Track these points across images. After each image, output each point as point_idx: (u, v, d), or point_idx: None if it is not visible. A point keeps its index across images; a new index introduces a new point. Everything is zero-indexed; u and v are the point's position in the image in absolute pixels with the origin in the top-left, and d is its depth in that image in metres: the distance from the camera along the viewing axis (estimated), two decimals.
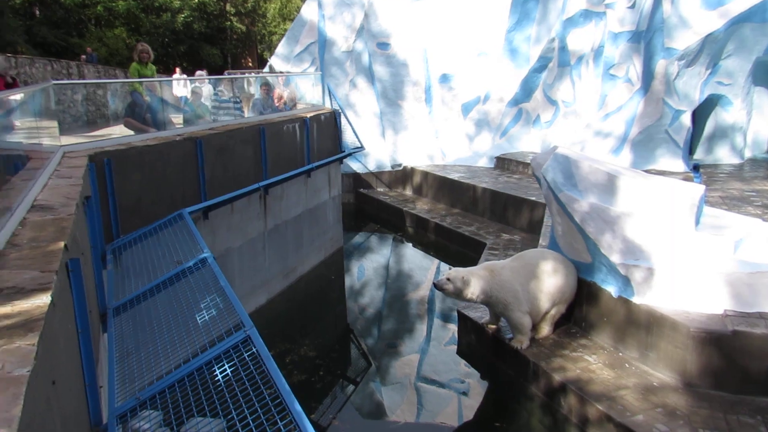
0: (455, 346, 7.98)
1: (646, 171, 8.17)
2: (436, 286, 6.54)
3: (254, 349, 3.69)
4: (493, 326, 7.17)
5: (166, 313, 4.50)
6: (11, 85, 8.75)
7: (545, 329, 6.97)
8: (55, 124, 5.77)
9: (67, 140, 6.12)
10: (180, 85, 11.39)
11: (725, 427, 5.37)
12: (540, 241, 8.90)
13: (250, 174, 8.91)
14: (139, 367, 3.97)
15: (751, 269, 6.17)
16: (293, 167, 10.07)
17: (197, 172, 7.69)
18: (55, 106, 6.28)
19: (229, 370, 3.64)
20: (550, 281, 6.91)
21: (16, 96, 4.36)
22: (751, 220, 7.22)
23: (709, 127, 13.64)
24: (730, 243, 6.29)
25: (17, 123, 4.41)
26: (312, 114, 11.41)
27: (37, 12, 28.45)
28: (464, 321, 8.01)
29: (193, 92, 10.27)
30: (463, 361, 7.62)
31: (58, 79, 14.87)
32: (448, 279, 6.50)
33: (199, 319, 4.35)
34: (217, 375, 3.66)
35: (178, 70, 19.66)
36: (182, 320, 4.37)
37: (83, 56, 23.93)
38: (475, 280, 6.53)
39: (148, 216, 6.46)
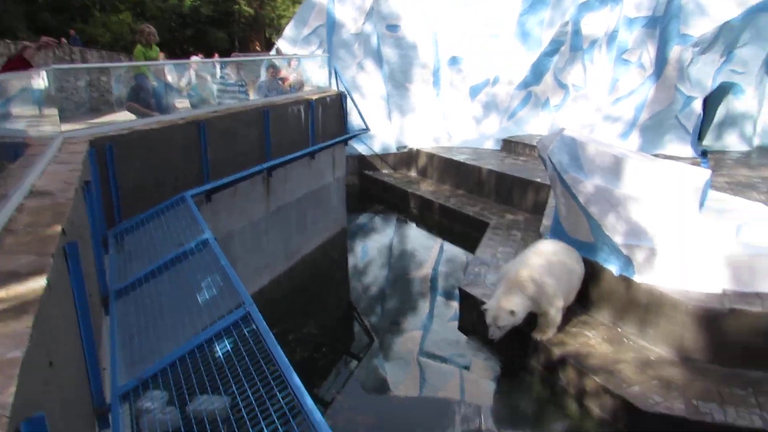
0: (457, 323, 8.09)
1: (654, 156, 8.15)
2: (493, 339, 6.41)
3: (254, 326, 3.76)
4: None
5: (168, 294, 4.60)
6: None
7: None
8: (55, 111, 5.84)
9: (68, 127, 6.19)
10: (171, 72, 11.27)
11: (718, 399, 5.45)
12: (543, 221, 8.95)
13: (253, 156, 8.97)
14: (141, 349, 4.06)
15: (752, 251, 6.20)
16: (297, 149, 10.12)
17: (200, 155, 7.77)
18: (58, 93, 6.34)
19: (229, 347, 3.72)
20: (576, 275, 6.89)
21: (14, 81, 4.42)
22: (754, 205, 7.22)
23: (719, 114, 13.61)
24: (733, 226, 6.30)
25: (16, 110, 4.48)
26: (317, 96, 11.42)
27: None
28: (466, 298, 8.10)
29: (198, 76, 10.29)
30: (465, 337, 7.72)
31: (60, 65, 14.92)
32: (498, 327, 6.29)
33: (200, 299, 4.44)
34: (217, 352, 3.75)
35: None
36: (183, 301, 4.46)
37: (63, 39, 22.29)
38: (519, 304, 6.32)
39: (150, 200, 6.56)
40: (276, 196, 9.64)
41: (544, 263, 6.61)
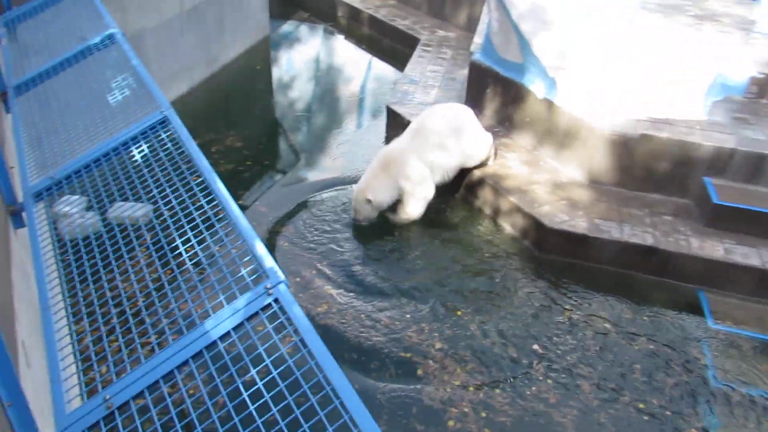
0: (384, 142, 8.12)
1: None
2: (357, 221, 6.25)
3: (173, 131, 3.57)
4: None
5: (75, 93, 4.22)
6: None
7: None
8: None
9: None
10: None
11: (617, 218, 5.97)
12: (474, 39, 8.69)
13: None
14: (52, 149, 3.80)
15: (669, 78, 6.37)
16: None
17: None
18: None
19: (147, 151, 3.54)
20: (467, 144, 6.49)
21: None
22: (678, 30, 7.27)
23: None
24: (656, 51, 6.37)
25: None
26: None
27: None
28: (393, 116, 8.06)
29: None
30: None
31: None
32: (358, 218, 6.14)
33: (112, 101, 4.11)
34: (135, 156, 3.57)
35: None
36: (93, 102, 4.12)
37: None
38: (378, 190, 6.04)
39: None
40: None
41: (421, 141, 6.26)
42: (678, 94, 6.39)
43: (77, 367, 2.26)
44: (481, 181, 6.66)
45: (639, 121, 6.35)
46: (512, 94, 7.26)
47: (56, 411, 2.05)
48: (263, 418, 1.88)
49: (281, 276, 2.23)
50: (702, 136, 6.11)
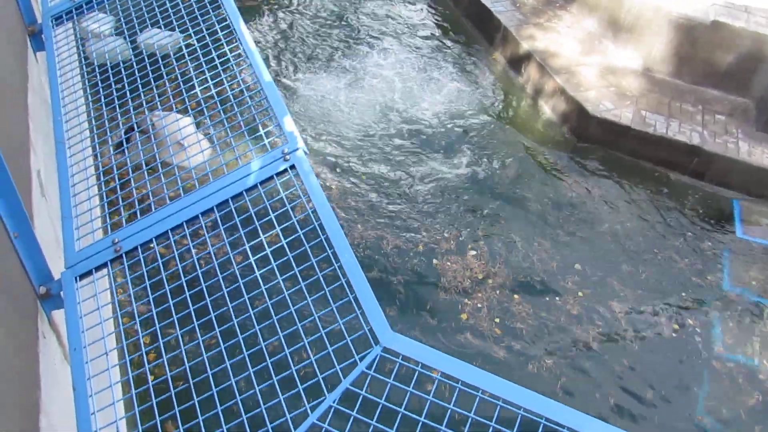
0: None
1: None
2: None
3: None
4: None
5: None
6: None
7: None
8: None
9: None
10: None
11: (666, 112, 5.59)
12: None
13: None
14: None
15: None
16: None
17: None
18: None
19: None
20: None
21: None
22: None
23: None
24: None
25: None
26: None
27: None
28: None
29: None
30: (434, 19, 7.23)
31: None
32: None
33: None
34: None
35: None
36: None
37: None
38: None
39: None
40: None
41: None
42: None
43: (89, 205, 2.23)
44: (527, 56, 6.21)
45: (714, 5, 5.71)
46: None
47: (65, 247, 2.05)
48: (267, 285, 1.86)
49: (300, 142, 2.10)
50: None
